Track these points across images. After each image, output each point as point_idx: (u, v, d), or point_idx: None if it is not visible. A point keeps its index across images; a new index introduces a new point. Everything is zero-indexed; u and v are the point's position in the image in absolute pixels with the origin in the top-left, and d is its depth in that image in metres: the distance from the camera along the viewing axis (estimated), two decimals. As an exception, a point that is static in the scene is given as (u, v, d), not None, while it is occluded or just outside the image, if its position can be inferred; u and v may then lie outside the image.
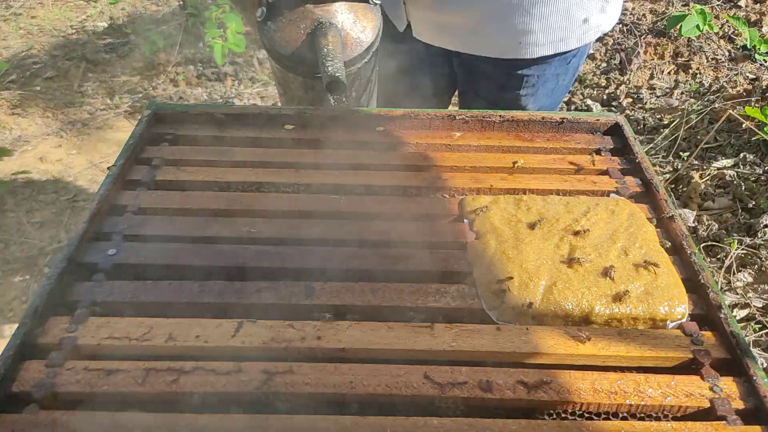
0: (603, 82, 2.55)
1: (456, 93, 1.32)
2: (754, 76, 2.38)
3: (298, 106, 0.94)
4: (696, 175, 1.95)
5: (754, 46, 2.45)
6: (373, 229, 0.76)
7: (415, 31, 1.09)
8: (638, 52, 2.56)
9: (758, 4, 2.72)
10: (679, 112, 2.25)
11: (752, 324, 1.54)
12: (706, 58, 2.53)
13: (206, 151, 0.88)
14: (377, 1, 0.88)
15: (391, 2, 1.08)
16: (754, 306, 1.56)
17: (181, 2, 2.89)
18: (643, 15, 2.78)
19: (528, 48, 1.02)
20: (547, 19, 0.99)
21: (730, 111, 2.09)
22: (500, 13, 0.98)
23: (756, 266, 1.65)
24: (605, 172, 0.87)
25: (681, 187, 1.97)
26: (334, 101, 0.86)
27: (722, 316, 0.65)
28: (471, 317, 0.66)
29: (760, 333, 1.52)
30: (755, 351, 1.48)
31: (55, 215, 2.05)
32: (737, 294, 1.60)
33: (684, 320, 0.66)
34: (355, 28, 0.84)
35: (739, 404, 0.59)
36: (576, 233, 0.73)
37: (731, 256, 1.65)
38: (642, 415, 0.59)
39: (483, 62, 1.07)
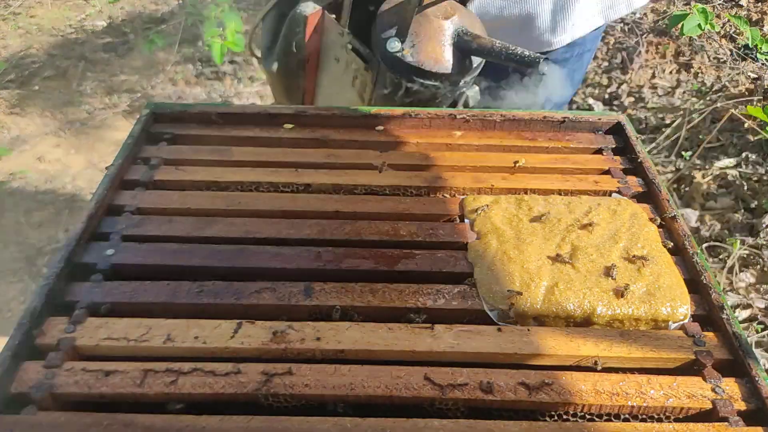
0: (605, 81, 2.55)
1: None
2: (756, 76, 2.38)
3: (297, 106, 0.94)
4: (698, 175, 1.95)
5: (756, 45, 2.44)
6: (373, 229, 0.75)
7: None
8: (640, 51, 2.55)
9: (760, 3, 2.71)
10: (681, 112, 2.24)
11: (755, 325, 1.54)
12: (708, 58, 2.53)
13: (205, 151, 0.88)
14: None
15: None
16: (757, 307, 1.56)
17: (181, 1, 2.89)
18: (645, 14, 2.78)
19: (581, 25, 1.00)
20: None
21: (733, 110, 2.08)
22: (549, 2, 0.97)
23: (758, 267, 1.65)
24: (607, 172, 0.87)
25: (683, 186, 1.96)
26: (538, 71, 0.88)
27: (724, 316, 0.65)
28: (471, 318, 0.66)
29: (763, 334, 1.51)
30: (758, 352, 1.47)
31: (53, 215, 2.05)
32: (739, 294, 1.59)
33: (686, 321, 0.66)
34: (475, 29, 0.88)
35: (742, 405, 0.58)
36: (584, 227, 0.73)
37: (734, 257, 1.65)
38: (644, 416, 0.59)
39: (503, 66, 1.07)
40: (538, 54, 0.80)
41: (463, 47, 0.85)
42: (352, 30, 0.95)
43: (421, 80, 0.87)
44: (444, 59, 0.86)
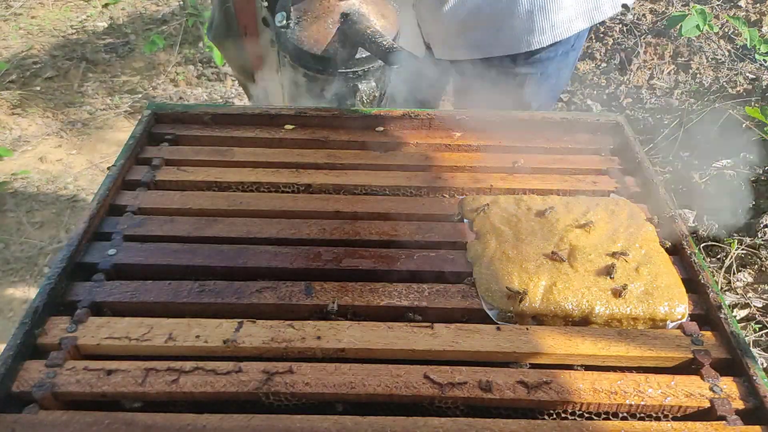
0: (603, 82, 2.55)
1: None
2: (754, 76, 2.39)
3: (300, 106, 0.94)
4: (696, 175, 1.96)
5: (754, 46, 2.45)
6: (373, 229, 0.76)
7: (437, 53, 1.07)
8: (638, 52, 2.56)
9: (758, 4, 2.72)
10: (679, 112, 2.25)
11: (752, 324, 1.55)
12: (706, 58, 2.53)
13: (206, 151, 0.88)
14: None
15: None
16: (754, 306, 1.56)
17: (181, 2, 2.90)
18: (643, 15, 2.78)
19: (563, 26, 0.97)
20: None
21: (731, 111, 2.09)
22: (526, 1, 0.95)
23: (756, 266, 1.65)
24: (605, 172, 0.87)
25: (681, 187, 1.97)
26: (392, 68, 0.83)
27: (722, 316, 0.65)
28: (471, 317, 0.66)
29: (760, 333, 1.52)
30: (755, 351, 1.48)
31: (55, 215, 2.05)
32: (737, 294, 1.60)
33: (684, 320, 0.66)
34: (380, 19, 0.83)
35: (739, 404, 0.59)
36: (582, 227, 0.74)
37: (731, 256, 1.66)
38: (642, 415, 0.59)
39: (487, 66, 1.06)
40: (396, 45, 0.75)
41: (345, 31, 0.80)
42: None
43: (305, 62, 0.82)
44: (324, 41, 0.80)
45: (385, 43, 0.76)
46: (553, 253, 0.70)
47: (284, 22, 0.81)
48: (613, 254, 0.70)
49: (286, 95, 0.95)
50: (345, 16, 0.81)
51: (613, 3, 0.99)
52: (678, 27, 2.39)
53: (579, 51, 1.11)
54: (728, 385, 0.60)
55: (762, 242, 1.68)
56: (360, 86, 0.87)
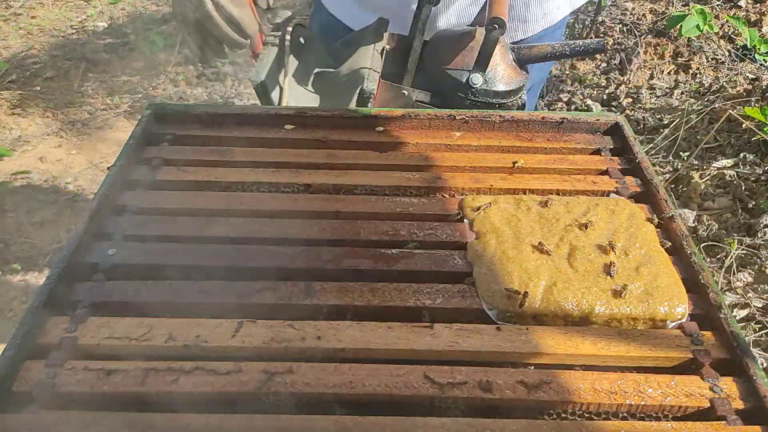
0: (603, 82, 2.55)
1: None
2: (754, 76, 2.39)
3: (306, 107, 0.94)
4: (696, 175, 1.96)
5: (754, 46, 2.45)
6: (373, 229, 0.76)
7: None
8: (638, 52, 2.56)
9: (758, 4, 2.72)
10: (679, 112, 2.25)
11: (752, 324, 1.55)
12: (706, 58, 2.54)
13: (206, 151, 0.88)
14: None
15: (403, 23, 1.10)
16: (754, 306, 1.56)
17: (181, 2, 2.89)
18: (643, 15, 2.78)
19: (552, 14, 1.06)
20: None
21: (730, 111, 2.09)
22: None
23: (756, 266, 1.66)
24: (605, 172, 0.87)
25: (681, 187, 1.97)
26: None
27: (722, 316, 0.65)
28: (471, 317, 0.66)
29: (760, 333, 1.52)
30: (755, 351, 1.48)
31: (55, 215, 2.05)
32: (737, 294, 1.60)
33: (684, 320, 0.66)
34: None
35: (739, 404, 0.59)
36: (582, 226, 0.74)
37: (731, 256, 1.66)
38: (642, 415, 0.59)
39: None
40: (599, 39, 0.89)
41: (524, 60, 0.96)
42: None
43: (491, 99, 0.97)
44: (514, 77, 0.96)
45: (587, 42, 0.93)
46: (540, 243, 0.70)
47: (481, 79, 0.95)
48: (609, 243, 0.70)
49: None
50: (516, 50, 0.96)
51: None
52: (678, 27, 2.39)
53: (563, 29, 1.17)
54: (728, 385, 0.60)
55: (762, 242, 1.68)
56: (524, 97, 1.01)
